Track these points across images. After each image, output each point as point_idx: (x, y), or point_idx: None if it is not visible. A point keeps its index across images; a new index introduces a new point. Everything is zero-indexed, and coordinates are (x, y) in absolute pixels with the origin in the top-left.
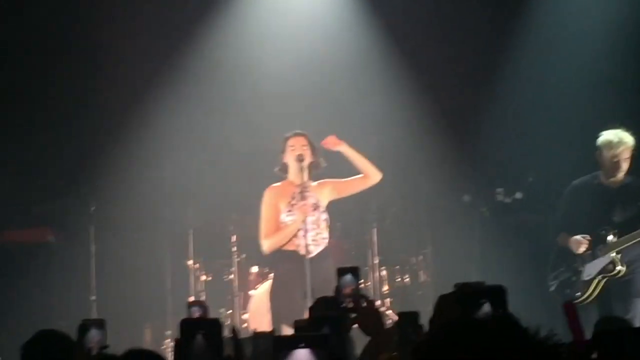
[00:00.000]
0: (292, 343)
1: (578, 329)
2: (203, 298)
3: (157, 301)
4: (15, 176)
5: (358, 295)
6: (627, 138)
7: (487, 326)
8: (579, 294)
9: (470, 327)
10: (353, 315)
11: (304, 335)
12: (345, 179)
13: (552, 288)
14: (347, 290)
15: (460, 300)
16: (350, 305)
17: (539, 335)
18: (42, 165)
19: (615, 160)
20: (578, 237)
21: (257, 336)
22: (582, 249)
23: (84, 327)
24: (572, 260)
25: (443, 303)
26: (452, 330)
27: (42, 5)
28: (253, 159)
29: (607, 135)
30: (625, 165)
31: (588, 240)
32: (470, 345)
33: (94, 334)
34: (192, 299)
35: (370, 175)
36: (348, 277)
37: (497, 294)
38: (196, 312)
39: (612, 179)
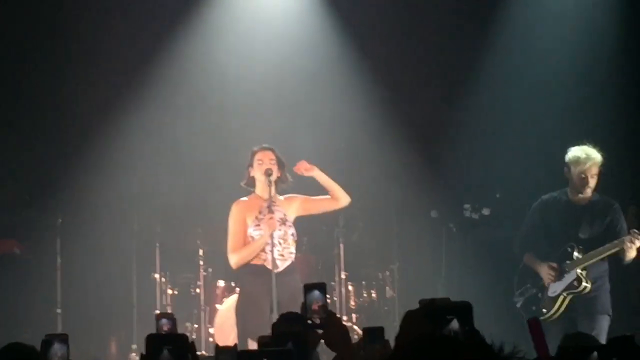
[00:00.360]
0: (255, 358)
1: (542, 345)
2: (169, 311)
3: (123, 314)
4: None
5: (325, 311)
6: (595, 154)
7: (453, 342)
8: (544, 310)
9: (437, 343)
10: (320, 331)
11: (267, 350)
12: (314, 197)
13: (518, 304)
14: (315, 307)
15: (427, 317)
16: (317, 321)
17: (504, 352)
18: (7, 176)
19: (583, 176)
20: (546, 267)
21: (220, 351)
22: (550, 279)
23: (48, 342)
24: (537, 276)
25: (409, 319)
26: (419, 346)
27: (13, 16)
28: (220, 171)
29: (575, 152)
30: (592, 182)
31: (556, 269)
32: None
33: (57, 349)
34: (157, 312)
35: (340, 198)
36: (315, 293)
37: (463, 311)
38: (165, 325)
39: (580, 196)
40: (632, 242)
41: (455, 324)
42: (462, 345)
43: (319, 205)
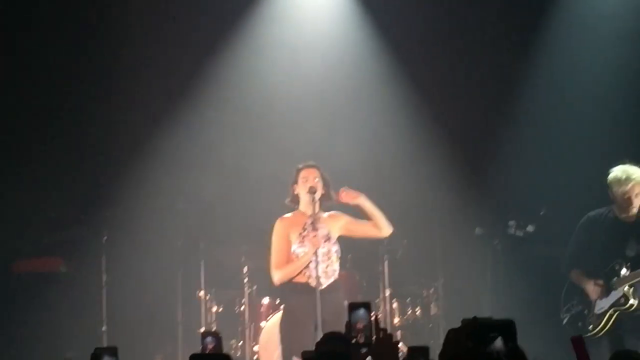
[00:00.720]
0: None
1: None
2: (214, 329)
3: (168, 332)
4: (27, 206)
5: (370, 330)
6: (637, 174)
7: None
8: (591, 327)
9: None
10: (364, 350)
11: None
12: (358, 221)
13: (565, 321)
14: (359, 325)
15: (470, 335)
16: (362, 340)
17: None
18: (53, 194)
19: (627, 197)
20: (593, 284)
21: None
22: (596, 296)
23: (97, 356)
24: (584, 293)
25: (453, 337)
26: None
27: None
28: (264, 188)
29: (616, 172)
30: (637, 201)
31: (602, 286)
32: None
33: None
34: (202, 329)
35: (383, 227)
36: (360, 311)
37: (507, 328)
38: (210, 344)
39: (625, 215)
40: None
41: (498, 342)
42: None
43: (362, 230)
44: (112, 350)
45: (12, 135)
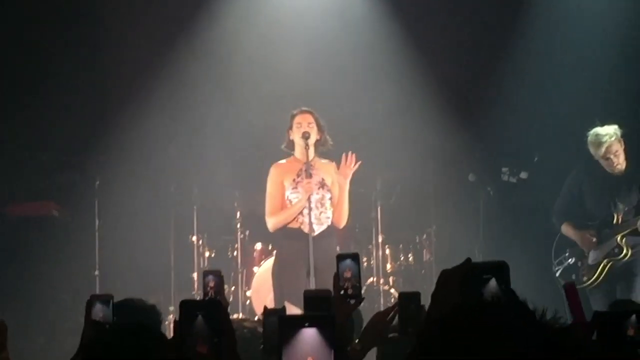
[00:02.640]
0: (297, 322)
1: (579, 310)
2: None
3: (161, 276)
4: (20, 150)
5: (359, 280)
6: (608, 133)
7: (496, 307)
8: (585, 278)
9: (479, 309)
10: (352, 301)
11: (310, 315)
12: (333, 195)
13: (557, 274)
14: (348, 275)
15: (464, 276)
16: (350, 291)
17: (545, 317)
18: (46, 139)
19: (605, 157)
20: (586, 235)
21: (268, 313)
22: (588, 247)
23: (91, 304)
24: (576, 245)
25: (445, 278)
26: (463, 312)
27: None
28: (259, 133)
29: (590, 137)
30: (617, 159)
31: (594, 237)
32: (480, 326)
33: (99, 309)
34: (194, 274)
35: (342, 218)
36: (347, 261)
37: (500, 270)
38: (210, 281)
39: (611, 170)
40: None
41: (492, 283)
42: (506, 311)
43: (333, 197)
44: (107, 298)
45: (4, 79)
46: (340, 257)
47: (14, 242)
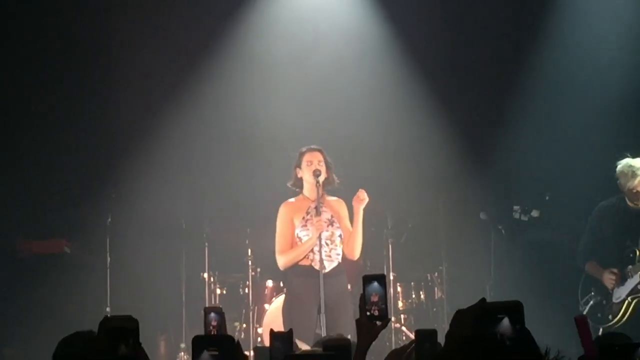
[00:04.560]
0: None
1: (589, 343)
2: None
3: (172, 313)
4: (32, 186)
5: (385, 302)
6: None
7: (500, 343)
8: (610, 317)
9: (483, 343)
10: (379, 323)
11: (316, 354)
12: (347, 229)
13: (584, 312)
14: (374, 298)
15: (478, 316)
16: (376, 313)
17: (549, 356)
18: (58, 176)
19: (635, 190)
20: (608, 273)
21: (275, 336)
22: (612, 285)
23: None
24: (601, 284)
25: (460, 318)
26: (467, 345)
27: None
28: (269, 172)
29: (622, 167)
30: None
31: (618, 274)
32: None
33: None
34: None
35: (355, 249)
36: (374, 284)
37: (514, 310)
38: (213, 320)
39: (636, 204)
40: None
41: (505, 323)
42: (508, 347)
43: (344, 231)
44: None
45: (16, 116)
46: (367, 279)
47: (26, 280)
